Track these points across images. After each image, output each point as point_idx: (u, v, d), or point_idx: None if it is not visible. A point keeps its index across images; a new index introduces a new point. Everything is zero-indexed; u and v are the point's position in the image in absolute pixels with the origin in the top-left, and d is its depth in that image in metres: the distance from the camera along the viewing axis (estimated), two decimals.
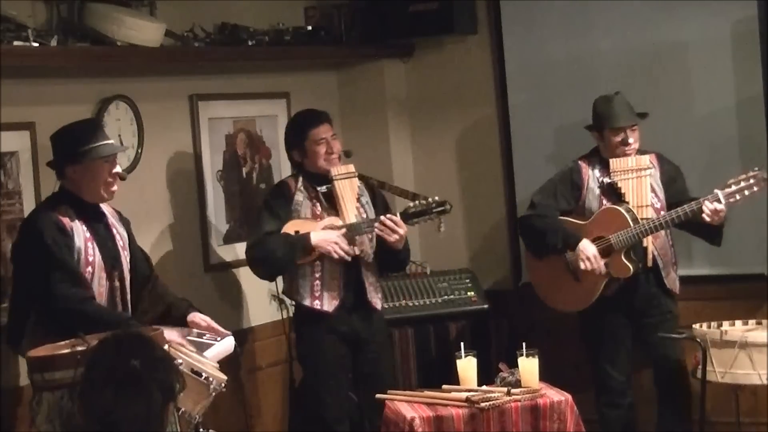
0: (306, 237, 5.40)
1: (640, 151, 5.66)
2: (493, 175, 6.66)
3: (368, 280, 5.57)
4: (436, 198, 5.44)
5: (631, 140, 5.61)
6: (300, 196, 5.55)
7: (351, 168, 5.59)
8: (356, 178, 5.58)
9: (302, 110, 5.75)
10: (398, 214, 5.43)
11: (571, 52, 6.39)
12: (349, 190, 5.54)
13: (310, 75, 6.63)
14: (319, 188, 5.53)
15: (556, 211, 5.73)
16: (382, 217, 5.42)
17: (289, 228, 5.47)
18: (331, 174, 5.51)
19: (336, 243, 5.39)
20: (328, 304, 5.50)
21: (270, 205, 5.58)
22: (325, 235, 5.42)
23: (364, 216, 5.56)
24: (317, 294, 5.50)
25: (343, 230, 5.45)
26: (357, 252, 5.47)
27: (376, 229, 5.43)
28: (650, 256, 5.56)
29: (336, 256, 5.40)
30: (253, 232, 5.60)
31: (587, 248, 5.57)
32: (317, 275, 5.50)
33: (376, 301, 5.62)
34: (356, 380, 5.70)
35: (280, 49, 6.14)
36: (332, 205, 5.53)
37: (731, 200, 5.34)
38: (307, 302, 5.51)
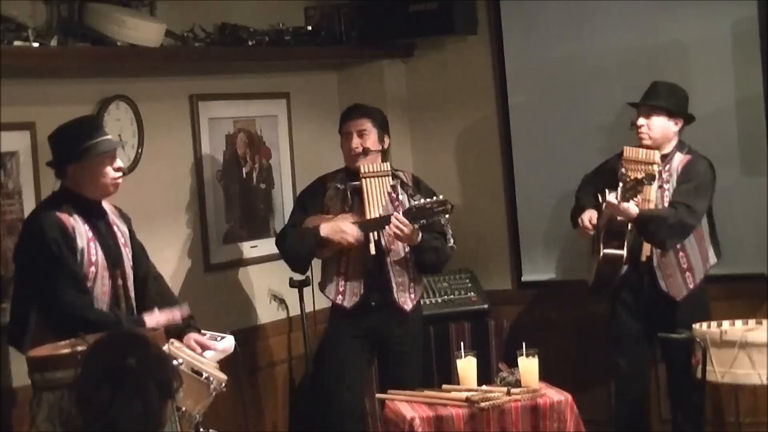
0: (315, 230, 5.47)
1: (690, 150, 5.64)
2: (493, 175, 6.66)
3: (395, 279, 5.54)
4: (440, 197, 5.41)
5: (640, 123, 5.60)
6: (332, 192, 5.61)
7: (385, 166, 5.58)
8: (388, 177, 5.56)
9: (353, 104, 5.84)
10: (401, 213, 5.42)
11: (571, 52, 6.39)
12: (377, 189, 5.53)
13: (310, 75, 6.63)
14: (348, 184, 5.57)
15: (592, 186, 5.76)
16: (391, 216, 5.41)
17: (309, 223, 5.54)
18: (360, 171, 5.53)
19: (343, 231, 5.43)
20: (348, 300, 5.54)
21: (301, 198, 5.75)
22: (331, 225, 5.46)
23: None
24: (341, 289, 5.56)
25: (352, 220, 5.47)
26: (372, 251, 5.45)
27: (387, 228, 5.42)
28: (645, 252, 5.57)
29: (345, 243, 5.43)
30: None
31: (583, 215, 5.69)
32: (342, 271, 5.55)
33: (405, 300, 5.57)
34: (381, 380, 5.73)
35: (280, 49, 6.14)
36: (362, 201, 5.55)
37: (627, 195, 5.35)
38: (332, 296, 5.59)
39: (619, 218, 5.47)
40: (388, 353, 5.64)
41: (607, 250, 5.54)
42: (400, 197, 5.59)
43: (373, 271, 5.54)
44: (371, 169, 5.54)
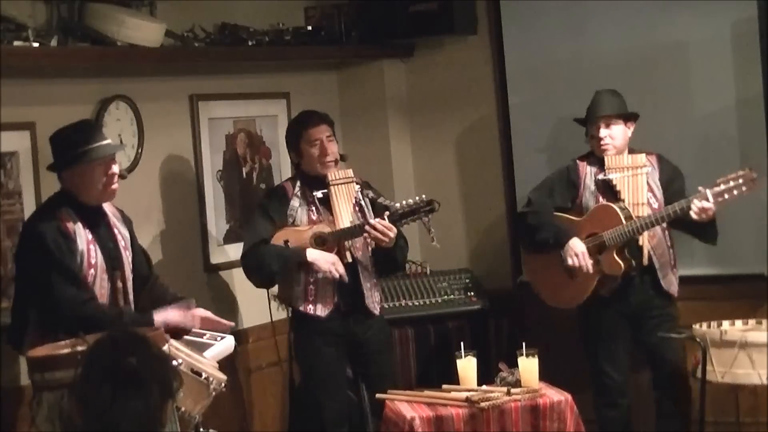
0: (302, 253, 5.36)
1: (641, 151, 5.67)
2: (493, 174, 6.66)
3: (366, 285, 5.52)
4: (423, 197, 5.38)
5: (603, 134, 5.61)
6: (296, 201, 5.52)
7: (349, 173, 5.55)
8: (354, 183, 5.53)
9: (303, 111, 5.74)
10: (386, 217, 5.38)
11: (571, 52, 6.39)
12: (345, 196, 5.49)
13: (310, 75, 6.63)
14: (315, 193, 5.50)
15: (551, 207, 5.75)
16: (371, 221, 5.37)
17: (280, 236, 5.43)
18: (327, 179, 5.48)
19: (333, 264, 5.35)
20: (321, 309, 5.47)
21: (265, 209, 5.56)
22: (322, 255, 5.37)
23: (362, 220, 5.53)
24: (311, 299, 5.48)
25: (328, 229, 5.40)
26: (348, 259, 5.44)
27: (366, 233, 5.39)
28: (646, 255, 5.56)
29: (331, 277, 5.36)
30: (247, 237, 5.57)
31: (575, 245, 5.59)
32: (311, 280, 5.46)
33: (373, 305, 5.56)
34: (358, 381, 5.69)
35: (280, 49, 6.15)
36: (328, 210, 5.49)
37: (720, 199, 5.35)
38: (300, 307, 5.49)
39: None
40: (361, 357, 5.60)
41: (624, 262, 5.53)
42: (361, 202, 5.55)
43: (345, 280, 5.47)
44: (338, 176, 5.50)
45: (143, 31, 5.31)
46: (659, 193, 5.64)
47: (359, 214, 5.53)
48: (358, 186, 5.57)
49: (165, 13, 5.58)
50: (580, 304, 5.68)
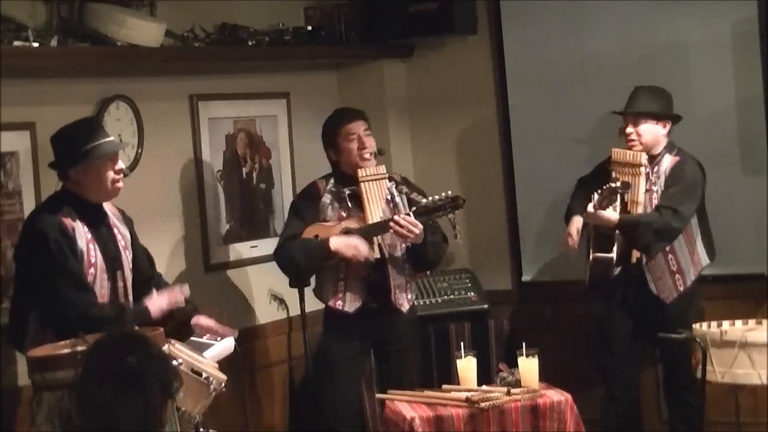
0: (325, 243, 5.35)
1: (671, 150, 5.64)
2: (493, 175, 6.66)
3: (395, 282, 5.49)
4: (450, 193, 5.36)
5: (629, 131, 5.60)
6: (327, 198, 5.51)
7: (381, 169, 5.51)
8: (385, 180, 5.50)
9: (337, 108, 5.74)
10: (410, 212, 5.37)
11: (571, 52, 6.39)
12: (376, 192, 5.46)
13: (310, 75, 6.63)
14: (344, 190, 5.49)
15: (585, 190, 5.72)
16: (395, 217, 5.36)
17: (310, 232, 5.43)
18: (358, 175, 5.46)
19: (356, 247, 5.33)
20: (349, 304, 5.47)
21: (296, 207, 5.60)
22: (344, 240, 5.36)
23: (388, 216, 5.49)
24: (340, 295, 5.48)
25: (356, 225, 5.40)
26: (377, 255, 5.41)
27: (391, 229, 5.36)
28: (634, 254, 5.57)
29: (357, 260, 5.35)
30: (281, 235, 5.62)
31: (570, 226, 5.71)
32: (341, 276, 5.47)
33: (402, 302, 5.53)
34: (380, 381, 5.70)
35: (280, 49, 6.14)
36: (359, 206, 5.48)
37: (599, 207, 5.34)
38: (330, 302, 5.50)
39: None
40: (385, 355, 5.60)
41: (596, 254, 5.53)
42: (396, 199, 5.55)
43: (373, 275, 5.48)
44: (369, 173, 5.47)
45: (143, 31, 5.31)
46: (657, 195, 5.60)
47: (394, 211, 5.48)
48: (392, 182, 5.55)
49: (165, 13, 5.58)
50: (586, 285, 5.73)
